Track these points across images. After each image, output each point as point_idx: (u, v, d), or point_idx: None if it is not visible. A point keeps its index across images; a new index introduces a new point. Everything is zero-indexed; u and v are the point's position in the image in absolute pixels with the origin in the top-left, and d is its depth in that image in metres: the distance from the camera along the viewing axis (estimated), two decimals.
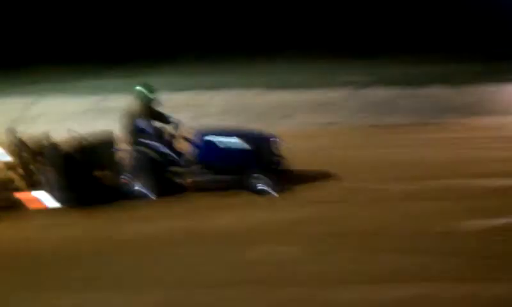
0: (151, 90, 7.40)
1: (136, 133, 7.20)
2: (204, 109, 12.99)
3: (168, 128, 7.45)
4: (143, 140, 7.19)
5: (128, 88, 8.16)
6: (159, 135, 7.32)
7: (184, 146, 7.44)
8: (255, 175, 7.14)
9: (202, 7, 22.02)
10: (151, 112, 7.36)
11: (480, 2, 21.35)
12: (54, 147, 6.79)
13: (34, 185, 6.74)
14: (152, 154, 7.19)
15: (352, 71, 16.19)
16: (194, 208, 6.73)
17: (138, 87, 7.37)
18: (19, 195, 6.72)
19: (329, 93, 14.02)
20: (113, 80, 15.01)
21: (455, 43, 20.23)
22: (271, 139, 7.50)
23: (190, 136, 7.42)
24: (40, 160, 6.76)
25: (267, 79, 14.68)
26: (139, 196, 7.06)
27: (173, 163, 7.27)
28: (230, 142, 7.31)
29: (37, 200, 6.66)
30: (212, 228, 6.03)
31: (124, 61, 17.86)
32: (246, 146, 7.29)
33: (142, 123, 7.21)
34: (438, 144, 10.03)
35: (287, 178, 7.29)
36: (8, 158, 6.84)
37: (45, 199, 6.65)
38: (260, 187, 7.13)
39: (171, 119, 7.47)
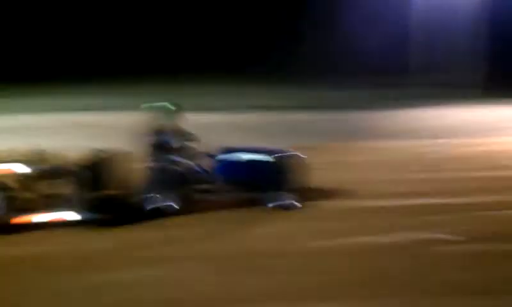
0: (174, 106, 7.43)
1: (161, 149, 7.21)
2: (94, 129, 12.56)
3: (190, 144, 7.43)
4: (169, 156, 7.20)
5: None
6: (183, 151, 7.33)
7: (205, 163, 7.44)
8: (279, 191, 7.21)
9: (93, 28, 22.72)
10: (174, 129, 7.37)
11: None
12: (76, 164, 6.77)
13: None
14: (180, 170, 7.20)
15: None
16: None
17: (163, 104, 7.41)
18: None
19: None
20: None
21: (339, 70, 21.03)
22: (292, 155, 7.51)
23: (213, 152, 7.42)
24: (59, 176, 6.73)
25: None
26: (165, 211, 7.03)
27: (199, 179, 7.29)
28: (255, 159, 7.35)
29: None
30: None
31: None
32: (270, 162, 7.32)
33: (168, 139, 7.23)
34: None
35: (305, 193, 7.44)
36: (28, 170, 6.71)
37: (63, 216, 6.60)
38: (283, 202, 7.19)
39: (193, 136, 7.46)
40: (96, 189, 6.72)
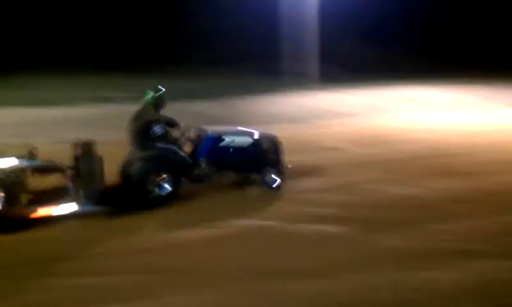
0: (159, 93, 7.49)
1: (149, 136, 7.31)
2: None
3: (172, 130, 7.60)
4: (158, 143, 7.34)
5: None
6: (169, 138, 7.50)
7: (188, 148, 7.72)
8: (267, 171, 7.68)
9: None
10: (157, 115, 7.46)
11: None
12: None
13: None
14: (171, 157, 7.37)
15: (114, 87, 16.48)
16: None
17: (149, 91, 7.47)
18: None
19: (90, 109, 13.76)
20: None
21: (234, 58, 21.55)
22: (271, 135, 7.98)
23: (197, 138, 7.71)
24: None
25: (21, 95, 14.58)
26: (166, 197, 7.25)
27: (186, 165, 7.48)
28: (242, 141, 7.72)
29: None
30: None
31: None
32: (253, 143, 7.76)
33: (157, 127, 7.34)
34: None
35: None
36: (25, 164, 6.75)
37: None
38: (272, 181, 7.73)
39: (174, 122, 7.54)
40: (94, 181, 6.82)
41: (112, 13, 23.80)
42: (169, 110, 7.59)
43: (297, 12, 19.70)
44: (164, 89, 7.51)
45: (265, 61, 20.74)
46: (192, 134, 7.80)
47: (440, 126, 13.18)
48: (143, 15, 24.44)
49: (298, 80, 18.47)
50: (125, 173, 7.38)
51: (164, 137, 7.42)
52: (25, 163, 6.68)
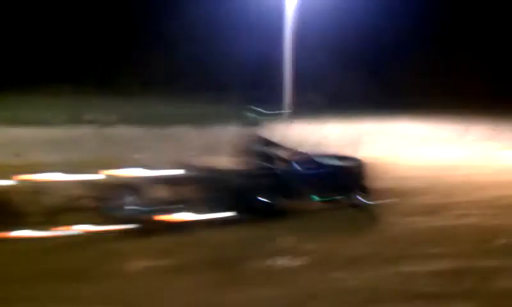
0: (261, 115, 8.20)
1: (252, 155, 8.00)
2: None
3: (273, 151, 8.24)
4: (259, 162, 8.03)
5: None
6: (268, 157, 8.14)
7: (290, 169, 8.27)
8: (358, 193, 8.36)
9: None
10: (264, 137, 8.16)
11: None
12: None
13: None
14: (271, 175, 8.06)
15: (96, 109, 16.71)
16: None
17: (251, 113, 8.15)
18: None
19: (73, 130, 14.18)
20: None
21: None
22: (361, 160, 8.67)
23: (294, 158, 8.32)
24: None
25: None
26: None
27: (284, 183, 8.12)
28: (334, 163, 8.44)
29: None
30: None
31: None
32: (350, 166, 8.48)
33: (258, 146, 8.04)
34: None
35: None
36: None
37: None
38: (362, 202, 8.36)
39: (274, 143, 8.18)
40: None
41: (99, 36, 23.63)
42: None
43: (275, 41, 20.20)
44: (263, 111, 8.24)
45: (243, 90, 20.66)
46: (288, 155, 8.39)
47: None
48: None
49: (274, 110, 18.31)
50: (229, 187, 7.98)
51: (264, 156, 8.09)
52: (157, 172, 7.48)
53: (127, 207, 7.39)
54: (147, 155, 8.77)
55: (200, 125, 15.47)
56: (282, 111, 8.53)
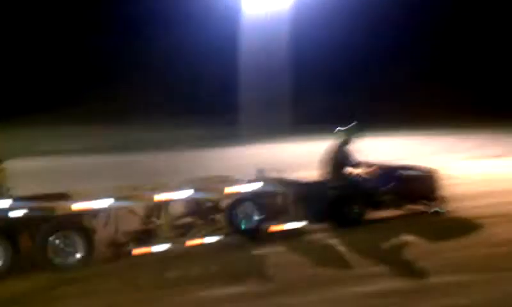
0: (357, 131, 9.03)
1: (342, 168, 8.84)
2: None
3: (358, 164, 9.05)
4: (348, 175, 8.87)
5: None
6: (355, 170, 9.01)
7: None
8: (432, 200, 9.33)
9: None
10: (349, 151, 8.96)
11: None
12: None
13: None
14: (359, 186, 8.91)
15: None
16: None
17: (351, 128, 8.98)
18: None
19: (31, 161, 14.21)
20: None
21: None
22: (436, 171, 9.61)
23: (378, 171, 9.14)
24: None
25: None
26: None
27: (371, 194, 8.95)
28: (418, 174, 9.40)
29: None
30: None
31: None
32: (428, 175, 9.42)
33: (348, 160, 8.84)
34: None
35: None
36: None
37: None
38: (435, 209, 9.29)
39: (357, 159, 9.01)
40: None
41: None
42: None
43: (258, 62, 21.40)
44: (353, 126, 9.06)
45: (224, 112, 21.86)
46: (372, 168, 9.20)
47: None
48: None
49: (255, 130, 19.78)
50: (324, 198, 8.77)
51: (348, 168, 8.88)
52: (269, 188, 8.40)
53: (253, 219, 8.18)
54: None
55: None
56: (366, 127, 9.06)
